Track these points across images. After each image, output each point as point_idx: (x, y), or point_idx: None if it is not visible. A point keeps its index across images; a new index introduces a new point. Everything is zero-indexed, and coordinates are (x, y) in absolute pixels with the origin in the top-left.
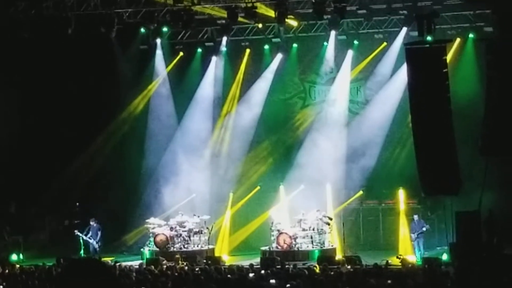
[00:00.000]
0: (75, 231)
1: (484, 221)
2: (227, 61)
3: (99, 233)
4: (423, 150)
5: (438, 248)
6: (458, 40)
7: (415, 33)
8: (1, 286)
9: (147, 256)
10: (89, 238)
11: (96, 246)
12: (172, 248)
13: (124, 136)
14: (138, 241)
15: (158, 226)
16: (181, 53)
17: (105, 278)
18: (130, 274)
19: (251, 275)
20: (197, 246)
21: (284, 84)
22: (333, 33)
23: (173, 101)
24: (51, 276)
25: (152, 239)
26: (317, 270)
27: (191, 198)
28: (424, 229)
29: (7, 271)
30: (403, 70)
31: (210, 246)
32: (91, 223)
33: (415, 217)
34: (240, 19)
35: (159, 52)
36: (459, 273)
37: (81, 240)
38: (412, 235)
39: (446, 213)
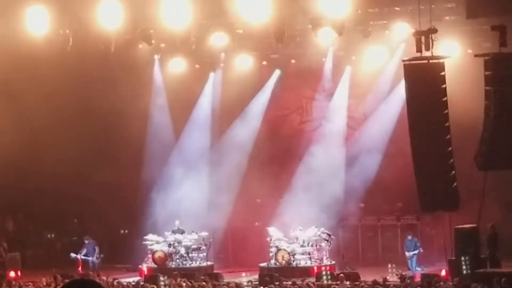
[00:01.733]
0: (71, 254)
1: (487, 237)
2: (225, 76)
3: (96, 248)
4: (421, 166)
5: (437, 264)
6: (456, 56)
7: (414, 49)
8: None
9: (145, 273)
10: (85, 256)
11: (96, 262)
12: (170, 265)
13: (122, 151)
14: (136, 257)
15: (156, 242)
16: (179, 69)
17: None
18: None
19: None
20: (196, 263)
21: (282, 100)
22: (331, 49)
23: (171, 117)
24: None
25: (150, 255)
26: (316, 287)
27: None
28: (416, 251)
29: None
30: (402, 85)
31: (209, 263)
32: (85, 241)
33: (408, 236)
34: (238, 35)
35: (157, 68)
36: None
37: (80, 259)
38: (407, 253)
39: (444, 229)
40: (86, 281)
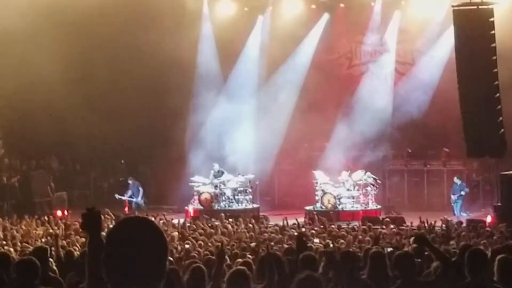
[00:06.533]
0: (116, 195)
1: None
2: (274, 20)
3: (140, 189)
4: (468, 112)
5: (483, 210)
6: (506, 2)
7: None
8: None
9: (191, 214)
10: (130, 197)
11: (141, 202)
12: (216, 206)
13: (169, 93)
14: (183, 199)
15: (202, 184)
16: (228, 11)
17: (154, 235)
18: (174, 230)
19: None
20: (242, 205)
21: (331, 44)
22: None
23: (220, 60)
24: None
25: (196, 197)
26: (361, 230)
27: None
28: (462, 192)
29: (52, 227)
30: (451, 31)
31: (254, 205)
32: (129, 181)
33: (456, 179)
34: None
35: (206, 10)
36: (503, 235)
37: (126, 200)
38: (452, 196)
39: (491, 175)
40: (140, 219)
